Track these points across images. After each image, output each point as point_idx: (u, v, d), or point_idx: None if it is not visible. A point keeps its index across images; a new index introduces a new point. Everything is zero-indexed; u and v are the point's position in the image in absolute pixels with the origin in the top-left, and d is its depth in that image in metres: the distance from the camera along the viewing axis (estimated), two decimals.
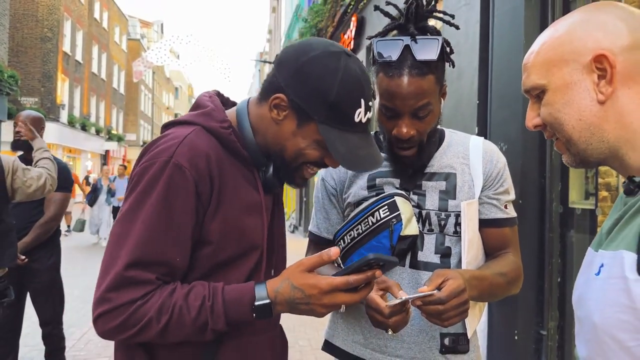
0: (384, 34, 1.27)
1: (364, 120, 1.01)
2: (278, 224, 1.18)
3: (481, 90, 3.52)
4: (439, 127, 1.32)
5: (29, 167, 2.76)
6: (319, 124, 0.99)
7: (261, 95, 1.06)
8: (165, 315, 0.92)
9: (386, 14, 1.32)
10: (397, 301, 1.02)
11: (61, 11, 22.80)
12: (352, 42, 7.70)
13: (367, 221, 1.26)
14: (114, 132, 34.43)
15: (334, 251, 0.94)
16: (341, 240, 1.30)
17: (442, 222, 1.26)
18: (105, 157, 33.40)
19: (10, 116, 19.20)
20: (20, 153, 3.25)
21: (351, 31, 7.65)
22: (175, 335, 0.94)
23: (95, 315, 0.93)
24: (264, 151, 1.08)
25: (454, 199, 1.27)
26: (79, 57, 26.14)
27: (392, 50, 1.18)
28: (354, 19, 7.66)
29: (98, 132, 30.64)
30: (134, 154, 41.45)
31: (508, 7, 3.20)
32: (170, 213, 0.95)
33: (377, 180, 1.31)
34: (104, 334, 0.95)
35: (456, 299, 1.04)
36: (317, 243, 1.37)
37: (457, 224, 1.25)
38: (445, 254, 1.26)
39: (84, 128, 27.33)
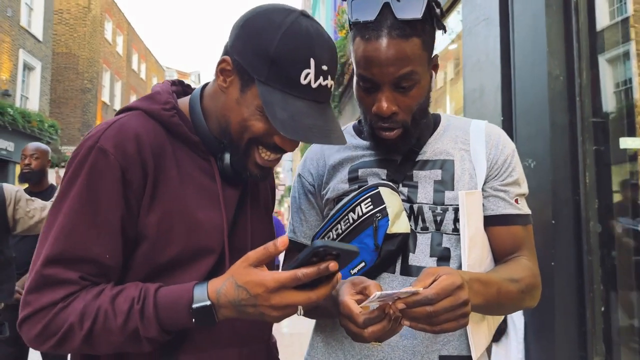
0: None
1: (314, 85, 0.85)
2: (256, 222, 1.01)
3: (505, 106, 3.31)
4: (436, 112, 1.14)
5: (33, 198, 2.68)
6: (258, 85, 0.85)
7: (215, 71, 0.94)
8: (88, 320, 0.79)
9: None
10: (370, 300, 0.80)
11: (100, 63, 23.77)
12: None
13: (348, 218, 1.06)
14: None
15: (280, 241, 0.78)
16: None
17: (438, 218, 1.05)
18: None
19: (52, 165, 19.90)
20: (26, 185, 3.20)
21: None
22: (103, 343, 0.80)
23: (19, 321, 0.82)
24: (219, 136, 0.94)
25: (452, 190, 1.06)
26: (117, 106, 27.06)
27: (369, 10, 1.00)
28: None
29: None
30: None
31: (528, 16, 3.02)
32: (94, 203, 0.82)
33: (360, 172, 1.11)
34: (30, 342, 0.83)
35: (450, 299, 0.81)
36: (294, 250, 1.17)
37: (457, 220, 1.04)
38: (442, 256, 1.04)
39: None
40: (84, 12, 22.73)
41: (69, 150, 21.85)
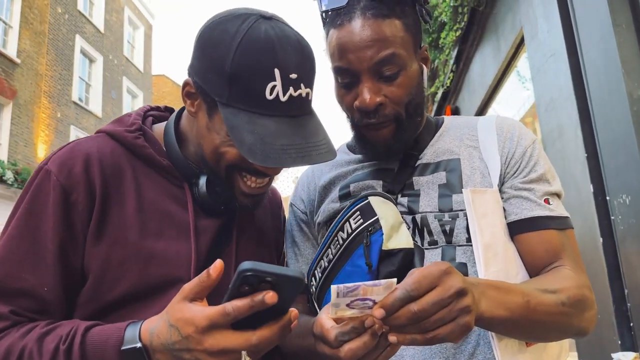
0: None
1: (284, 99, 0.73)
2: (245, 255, 0.88)
3: (587, 141, 3.00)
4: (438, 116, 0.98)
5: None
6: (221, 108, 0.74)
7: None
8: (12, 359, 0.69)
9: None
10: (335, 295, 0.61)
11: None
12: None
13: (337, 239, 0.88)
14: None
15: (213, 267, 0.63)
16: (312, 278, 0.93)
17: (447, 228, 0.86)
18: None
19: None
20: None
21: None
22: None
23: None
24: (195, 160, 0.85)
25: (461, 192, 0.87)
26: None
27: None
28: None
29: None
30: None
31: (596, 40, 2.78)
32: (32, 229, 0.75)
33: (352, 187, 0.96)
34: None
35: (437, 290, 0.61)
36: None
37: (469, 222, 0.84)
38: None
39: None
40: None
41: None
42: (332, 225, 0.91)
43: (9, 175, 10.93)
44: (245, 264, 0.58)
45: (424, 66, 0.94)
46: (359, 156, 1.01)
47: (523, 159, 0.90)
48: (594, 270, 2.87)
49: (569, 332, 0.81)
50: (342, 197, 0.96)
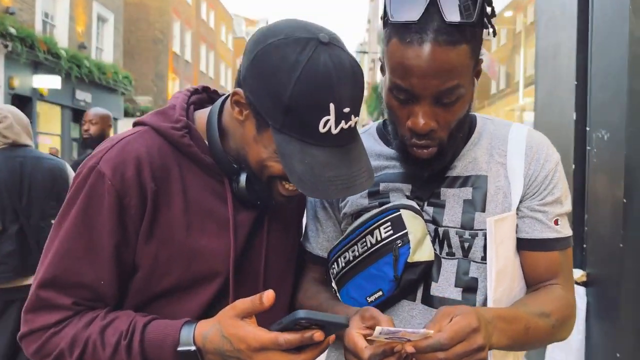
0: None
1: (335, 132, 0.76)
2: (274, 243, 0.96)
3: (580, 69, 3.02)
4: (471, 113, 1.01)
5: None
6: (274, 133, 0.77)
7: (234, 86, 0.88)
8: (78, 348, 0.80)
9: None
10: (378, 334, 0.74)
11: (170, 13, 24.10)
12: None
13: (365, 241, 0.97)
14: None
15: (266, 297, 0.73)
16: (335, 263, 1.03)
17: (466, 245, 0.95)
18: None
19: (127, 114, 20.75)
20: (89, 151, 3.31)
21: None
22: None
23: (19, 336, 0.85)
24: (235, 156, 0.88)
25: (483, 211, 0.95)
26: (187, 57, 27.55)
27: (412, 6, 0.84)
28: None
29: None
30: None
31: None
32: (89, 229, 0.81)
33: (382, 186, 1.01)
34: (29, 356, 0.86)
35: (464, 344, 0.74)
36: (308, 261, 1.10)
37: (486, 247, 0.93)
38: (468, 287, 0.94)
39: None
40: None
41: (143, 100, 22.68)
42: (360, 223, 0.98)
43: None
44: (301, 313, 0.68)
45: (475, 80, 0.94)
46: (391, 151, 1.03)
47: (544, 182, 0.96)
48: None
49: (552, 342, 0.96)
50: (371, 195, 1.01)
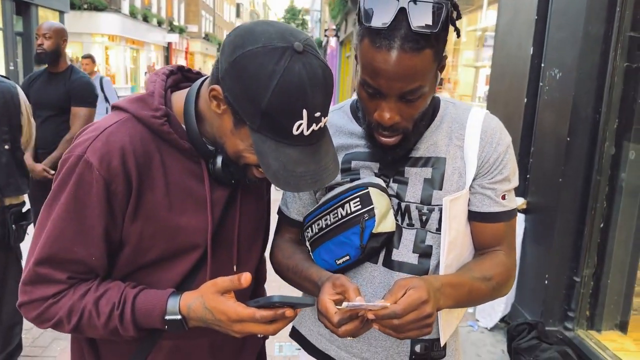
0: None
1: (307, 133, 0.83)
2: (246, 215, 1.05)
3: (541, 3, 3.06)
4: (435, 94, 1.09)
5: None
6: (251, 132, 0.84)
7: (210, 79, 0.92)
8: (75, 316, 0.90)
9: None
10: (345, 306, 0.88)
11: None
12: None
13: (337, 213, 1.08)
14: (175, 23, 34.27)
15: (244, 278, 0.85)
16: (309, 228, 1.15)
17: (424, 217, 1.07)
18: (167, 50, 33.57)
19: (73, 6, 19.36)
20: (44, 66, 3.19)
21: None
22: (89, 333, 0.94)
23: (18, 303, 0.94)
24: (211, 140, 0.95)
25: (440, 189, 1.06)
26: None
27: (383, 12, 0.91)
28: None
29: (160, 23, 30.57)
30: (196, 47, 41.45)
31: None
32: (80, 213, 0.88)
33: (353, 163, 1.11)
34: (29, 320, 0.95)
35: (414, 313, 0.88)
36: (286, 223, 1.22)
37: (441, 220, 1.06)
38: (424, 253, 1.08)
39: (145, 19, 27.29)
40: None
41: None
42: (332, 196, 1.09)
43: None
44: (276, 297, 0.81)
45: (439, 73, 1.01)
46: (361, 130, 1.11)
47: (495, 163, 1.07)
48: (513, 121, 3.21)
49: (491, 300, 1.11)
50: (343, 171, 1.11)
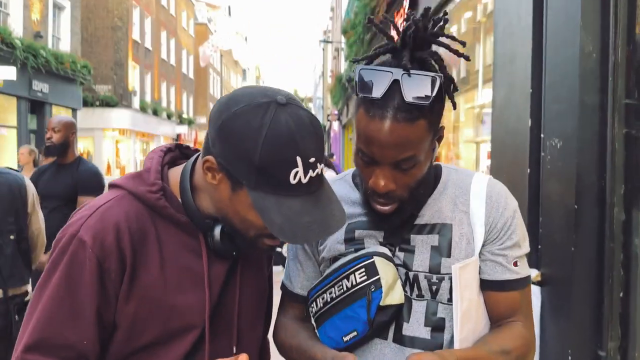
0: (373, 58, 1.04)
1: (305, 181, 0.83)
2: (246, 290, 1.02)
3: (535, 78, 3.15)
4: (437, 163, 1.09)
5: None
6: (249, 191, 0.84)
7: (202, 152, 0.94)
8: None
9: (382, 31, 1.07)
10: None
11: (130, 0, 23.49)
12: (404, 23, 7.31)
13: (342, 285, 1.05)
14: (184, 116, 35.53)
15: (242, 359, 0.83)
16: (314, 303, 1.11)
17: (434, 288, 1.04)
18: (177, 141, 34.55)
19: (86, 103, 20.19)
20: (54, 159, 3.27)
21: (404, 9, 7.26)
22: None
23: None
24: (209, 213, 0.94)
25: (449, 257, 1.04)
26: (148, 44, 26.95)
27: (377, 84, 0.94)
28: None
29: (169, 116, 31.73)
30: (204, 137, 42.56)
31: None
32: (72, 293, 0.86)
33: (357, 233, 1.09)
34: None
35: None
36: (289, 299, 1.18)
37: (452, 288, 1.02)
38: (437, 326, 1.03)
39: (155, 113, 28.32)
40: None
41: (102, 89, 22.12)
42: (337, 268, 1.06)
43: None
44: None
45: (437, 144, 1.03)
46: (355, 208, 1.11)
47: (503, 228, 1.05)
48: (519, 191, 3.19)
49: None
50: (347, 241, 1.09)
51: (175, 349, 0.90)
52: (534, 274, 3.09)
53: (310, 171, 0.83)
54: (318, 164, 0.85)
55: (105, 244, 0.86)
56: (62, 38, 16.96)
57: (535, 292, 3.07)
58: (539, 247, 3.09)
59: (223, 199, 0.89)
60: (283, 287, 1.20)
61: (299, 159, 0.82)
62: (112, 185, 0.96)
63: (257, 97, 0.84)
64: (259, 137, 0.80)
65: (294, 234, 0.84)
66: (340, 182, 1.17)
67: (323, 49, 36.56)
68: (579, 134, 2.67)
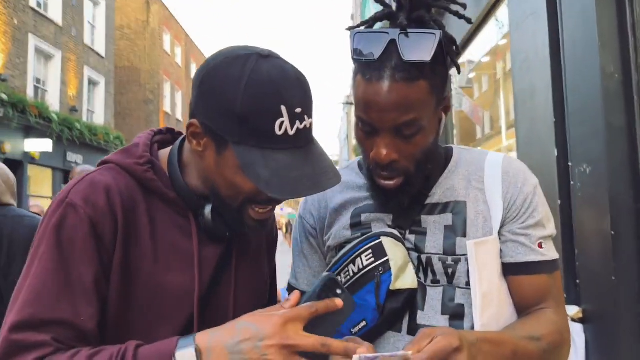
0: (369, 24, 0.99)
1: (292, 132, 0.77)
2: (243, 278, 0.94)
3: (557, 107, 3.09)
4: (448, 145, 1.02)
5: None
6: (234, 147, 0.78)
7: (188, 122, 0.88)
8: None
9: (379, 1, 1.03)
10: (357, 358, 0.71)
11: (161, 75, 24.63)
12: None
13: (348, 270, 0.96)
14: None
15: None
16: None
17: (450, 270, 0.93)
18: None
19: None
20: None
21: None
22: None
23: None
24: (199, 191, 0.88)
25: (464, 236, 0.94)
26: (179, 115, 27.94)
27: (374, 46, 0.89)
28: None
29: None
30: None
31: (577, 8, 2.79)
32: (65, 260, 0.77)
33: (363, 217, 1.01)
34: None
35: None
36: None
37: (469, 270, 0.92)
38: (455, 314, 0.92)
39: None
40: (143, 27, 23.64)
41: None
42: (343, 254, 0.98)
43: None
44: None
45: (443, 115, 0.96)
46: (362, 182, 1.05)
47: (524, 205, 0.96)
48: None
49: None
50: (354, 226, 1.01)
51: (162, 333, 0.79)
52: (575, 310, 2.88)
53: (298, 122, 0.78)
54: (306, 117, 0.80)
55: (97, 206, 0.79)
56: (97, 111, 17.72)
57: (578, 330, 2.85)
58: (577, 281, 2.90)
59: (210, 167, 0.83)
60: (289, 287, 1.10)
61: (283, 108, 0.76)
62: (100, 162, 0.91)
63: (237, 50, 0.80)
64: (239, 84, 0.76)
65: (281, 188, 0.77)
66: (346, 170, 1.11)
67: (347, 113, 37.23)
68: (608, 156, 2.56)
